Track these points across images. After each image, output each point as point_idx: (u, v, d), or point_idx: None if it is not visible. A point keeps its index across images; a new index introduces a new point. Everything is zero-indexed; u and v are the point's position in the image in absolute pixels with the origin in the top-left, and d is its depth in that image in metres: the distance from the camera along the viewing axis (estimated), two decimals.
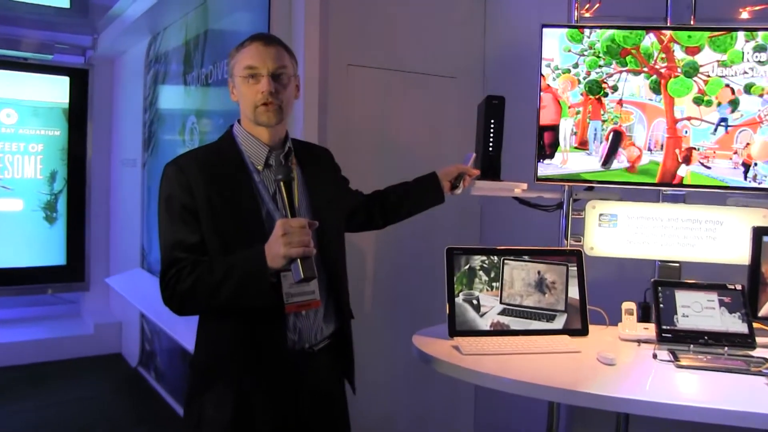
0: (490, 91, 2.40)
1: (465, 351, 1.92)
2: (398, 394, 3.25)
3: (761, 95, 2.22)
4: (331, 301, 1.83)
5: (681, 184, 2.31)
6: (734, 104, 2.24)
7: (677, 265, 2.33)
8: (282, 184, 1.61)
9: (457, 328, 2.08)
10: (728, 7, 2.45)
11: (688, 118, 2.28)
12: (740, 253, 2.22)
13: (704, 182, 2.28)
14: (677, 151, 2.30)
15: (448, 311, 2.10)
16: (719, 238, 2.27)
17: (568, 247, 2.36)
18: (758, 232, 2.12)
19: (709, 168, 2.27)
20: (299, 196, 1.75)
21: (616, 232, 2.33)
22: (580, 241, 2.38)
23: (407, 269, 3.24)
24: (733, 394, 1.65)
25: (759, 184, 2.24)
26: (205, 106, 3.83)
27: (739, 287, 2.09)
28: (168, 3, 4.07)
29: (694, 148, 2.27)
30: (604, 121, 2.34)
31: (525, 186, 2.36)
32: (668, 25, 2.37)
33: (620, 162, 2.33)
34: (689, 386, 1.74)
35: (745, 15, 2.46)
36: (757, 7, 2.43)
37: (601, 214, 2.34)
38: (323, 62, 2.89)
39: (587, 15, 2.50)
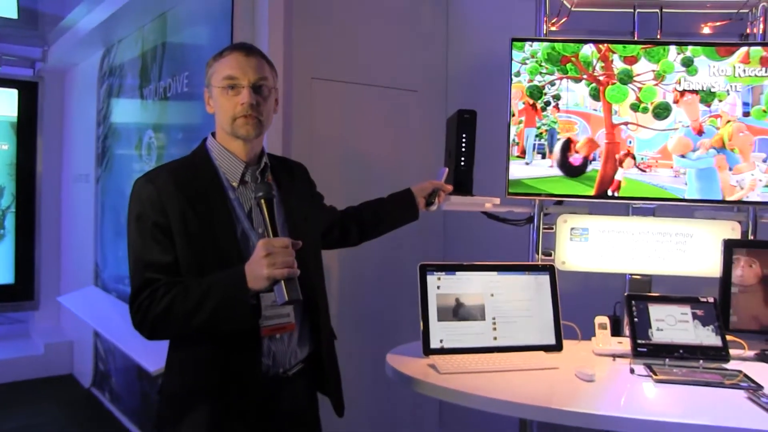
0: (452, 104, 2.37)
1: (442, 370, 1.87)
2: (365, 413, 3.18)
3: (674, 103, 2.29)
4: (306, 323, 1.75)
5: (620, 197, 2.32)
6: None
7: (648, 278, 2.34)
8: (263, 202, 1.53)
9: (432, 346, 2.04)
10: (693, 22, 2.49)
11: (626, 123, 2.31)
12: (710, 265, 2.24)
13: (642, 189, 2.30)
14: (616, 156, 2.32)
15: (422, 329, 2.05)
16: (689, 250, 2.28)
17: (541, 262, 2.35)
18: (729, 245, 2.14)
19: (644, 171, 2.30)
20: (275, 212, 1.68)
21: (587, 246, 2.33)
22: (550, 256, 2.37)
23: (370, 286, 3.18)
24: (711, 409, 1.65)
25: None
26: (163, 120, 3.71)
27: (711, 300, 2.10)
28: (123, 15, 3.93)
29: (633, 157, 2.30)
30: (546, 131, 2.34)
31: (497, 201, 2.33)
32: (635, 39, 2.39)
33: (576, 162, 2.34)
34: (669, 401, 1.72)
35: (706, 30, 2.52)
36: (718, 23, 2.49)
37: (572, 228, 2.33)
38: (287, 75, 2.83)
39: (554, 29, 2.51)
